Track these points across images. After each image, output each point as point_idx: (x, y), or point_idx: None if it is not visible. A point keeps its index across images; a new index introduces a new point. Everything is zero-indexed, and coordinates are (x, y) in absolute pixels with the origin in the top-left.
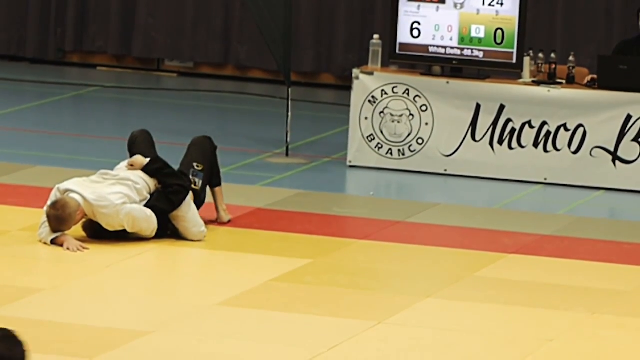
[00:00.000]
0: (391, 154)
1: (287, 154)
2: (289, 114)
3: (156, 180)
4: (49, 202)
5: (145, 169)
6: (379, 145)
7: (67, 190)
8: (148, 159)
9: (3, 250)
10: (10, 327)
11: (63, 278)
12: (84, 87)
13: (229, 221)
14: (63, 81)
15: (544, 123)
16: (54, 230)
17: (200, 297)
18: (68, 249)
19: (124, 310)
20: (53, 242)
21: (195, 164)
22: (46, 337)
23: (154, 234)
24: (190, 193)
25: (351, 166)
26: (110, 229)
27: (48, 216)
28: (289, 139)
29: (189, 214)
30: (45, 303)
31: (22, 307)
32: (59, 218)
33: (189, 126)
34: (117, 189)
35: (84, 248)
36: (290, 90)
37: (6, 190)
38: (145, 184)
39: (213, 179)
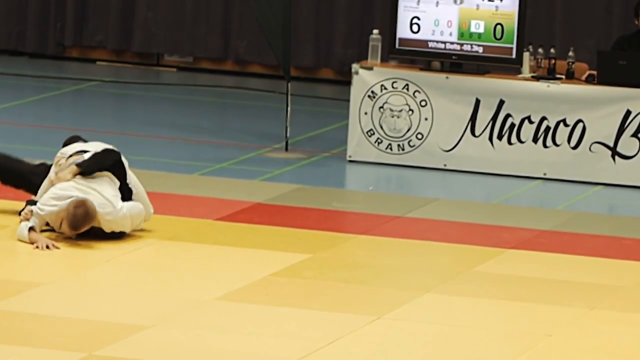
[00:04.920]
0: (391, 149)
1: (286, 149)
2: (289, 108)
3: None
4: (70, 202)
5: (82, 173)
6: (379, 140)
7: (69, 197)
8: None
9: (2, 244)
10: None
11: (62, 272)
12: (83, 82)
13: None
14: (62, 76)
15: (544, 118)
16: (72, 228)
17: (199, 292)
18: (37, 247)
19: (123, 304)
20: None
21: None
22: (46, 331)
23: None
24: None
25: (351, 161)
26: (109, 231)
27: (74, 215)
28: (288, 134)
29: (139, 193)
30: (45, 297)
31: (21, 301)
32: (87, 216)
33: (188, 121)
34: (110, 190)
35: (55, 247)
36: (289, 85)
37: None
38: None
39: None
